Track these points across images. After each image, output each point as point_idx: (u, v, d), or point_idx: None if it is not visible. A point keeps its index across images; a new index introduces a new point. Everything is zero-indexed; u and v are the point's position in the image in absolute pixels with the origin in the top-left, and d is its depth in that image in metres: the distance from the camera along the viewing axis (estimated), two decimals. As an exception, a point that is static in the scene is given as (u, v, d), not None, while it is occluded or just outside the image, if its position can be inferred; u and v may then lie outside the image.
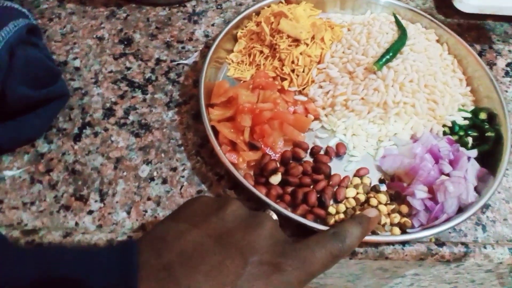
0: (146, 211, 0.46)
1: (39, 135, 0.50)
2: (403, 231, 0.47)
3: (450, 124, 0.54)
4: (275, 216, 0.40)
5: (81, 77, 0.56)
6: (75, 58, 0.58)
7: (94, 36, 0.60)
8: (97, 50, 0.59)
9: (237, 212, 0.36)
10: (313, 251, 0.35)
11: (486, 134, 0.53)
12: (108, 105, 0.54)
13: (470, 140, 0.53)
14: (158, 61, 0.59)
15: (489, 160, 0.51)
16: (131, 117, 0.53)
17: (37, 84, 0.48)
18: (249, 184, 0.46)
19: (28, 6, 0.62)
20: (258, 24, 0.59)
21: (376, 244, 0.45)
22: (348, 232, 0.37)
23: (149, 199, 0.47)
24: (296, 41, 0.57)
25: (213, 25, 0.63)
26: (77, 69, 0.57)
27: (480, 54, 0.64)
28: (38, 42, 0.50)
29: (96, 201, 0.47)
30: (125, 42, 0.60)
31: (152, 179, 0.49)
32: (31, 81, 0.47)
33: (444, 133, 0.54)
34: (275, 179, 0.48)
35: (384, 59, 0.54)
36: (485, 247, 0.46)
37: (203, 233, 0.33)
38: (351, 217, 0.42)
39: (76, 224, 0.45)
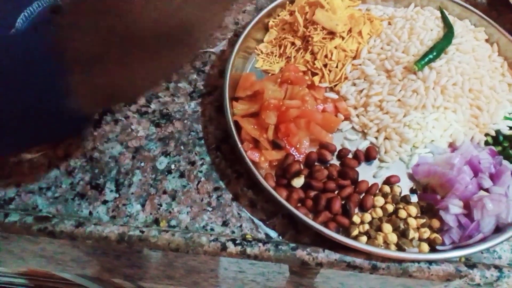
0: (160, 205, 0.45)
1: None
2: (432, 248, 0.43)
3: (493, 133, 0.50)
4: None
5: (106, 61, 0.54)
6: (101, 40, 0.56)
7: (122, 18, 0.59)
8: (124, 33, 0.57)
9: None
10: None
11: (534, 147, 0.48)
12: (130, 91, 0.52)
13: (515, 152, 0.48)
14: (185, 47, 0.56)
15: (535, 176, 0.47)
16: (152, 106, 0.51)
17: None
18: (268, 185, 0.43)
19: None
20: (291, 13, 0.56)
21: (401, 261, 0.41)
22: None
23: (164, 192, 0.45)
24: (331, 33, 0.53)
25: (244, 11, 0.60)
26: (102, 51, 0.55)
27: (535, 57, 0.58)
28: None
29: (111, 191, 0.45)
30: (153, 26, 0.58)
31: (169, 171, 0.47)
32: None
33: (486, 143, 0.50)
34: (298, 182, 0.45)
35: (426, 59, 0.49)
36: (522, 273, 0.42)
37: None
38: None
39: (90, 213, 0.44)
